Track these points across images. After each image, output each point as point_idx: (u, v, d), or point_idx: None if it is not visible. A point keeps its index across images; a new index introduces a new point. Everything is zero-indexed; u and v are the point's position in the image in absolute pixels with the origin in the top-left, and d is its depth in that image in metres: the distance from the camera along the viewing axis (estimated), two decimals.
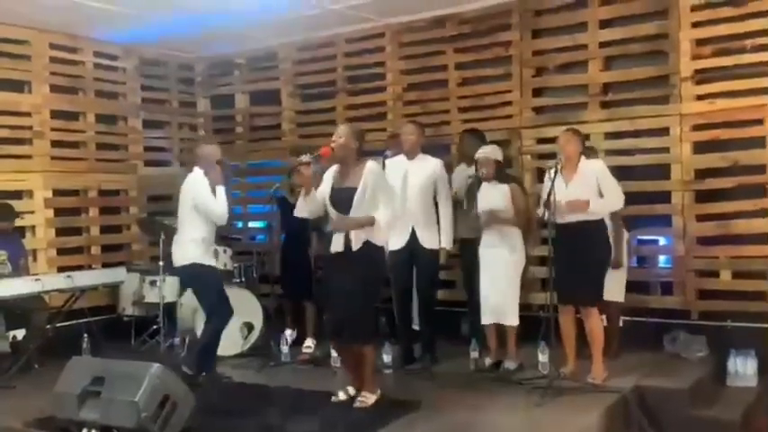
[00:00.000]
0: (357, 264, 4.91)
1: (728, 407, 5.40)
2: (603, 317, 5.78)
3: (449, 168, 6.47)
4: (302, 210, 5.34)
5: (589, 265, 5.36)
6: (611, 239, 5.54)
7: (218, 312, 5.76)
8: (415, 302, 6.31)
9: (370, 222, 4.87)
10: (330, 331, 5.20)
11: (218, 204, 5.63)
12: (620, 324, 6.22)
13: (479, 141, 6.22)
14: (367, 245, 4.92)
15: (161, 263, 6.85)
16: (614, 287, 5.81)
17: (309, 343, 6.85)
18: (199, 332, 6.57)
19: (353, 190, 4.92)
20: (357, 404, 5.00)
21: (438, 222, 6.07)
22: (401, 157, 6.09)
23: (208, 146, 6.02)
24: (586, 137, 5.82)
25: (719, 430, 5.07)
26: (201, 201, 5.63)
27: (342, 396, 5.15)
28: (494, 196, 5.73)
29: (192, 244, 5.68)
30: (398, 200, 5.77)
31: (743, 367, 5.84)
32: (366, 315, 5.05)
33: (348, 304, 4.91)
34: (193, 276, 5.79)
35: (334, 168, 5.12)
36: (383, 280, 5.41)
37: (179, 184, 5.90)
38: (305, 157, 4.96)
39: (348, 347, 5.14)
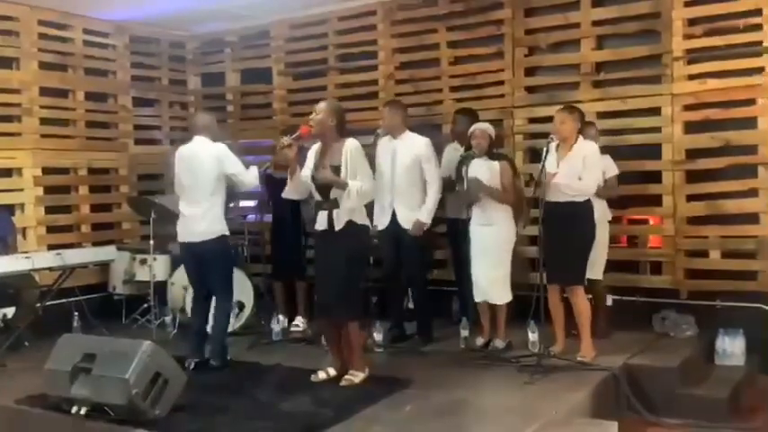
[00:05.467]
0: (341, 243, 4.97)
1: (717, 385, 5.45)
2: (590, 296, 5.81)
3: (440, 147, 6.48)
4: (290, 192, 5.32)
5: (574, 244, 5.39)
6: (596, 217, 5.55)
7: (230, 288, 5.70)
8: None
9: (344, 185, 4.90)
10: (317, 310, 5.23)
11: (251, 174, 5.60)
12: (609, 303, 6.25)
13: (473, 121, 6.19)
14: (350, 224, 4.98)
15: (151, 241, 6.82)
16: (595, 266, 5.82)
17: (299, 321, 6.87)
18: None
19: (335, 168, 4.96)
20: (343, 382, 5.04)
21: (421, 204, 6.03)
22: (390, 137, 6.08)
23: (206, 114, 5.95)
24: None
25: (707, 408, 5.11)
26: (238, 171, 5.54)
27: (321, 375, 5.17)
28: (484, 172, 5.71)
29: (219, 216, 5.54)
30: (384, 179, 5.88)
31: (731, 346, 5.88)
32: (351, 293, 5.07)
33: (333, 282, 4.97)
34: (219, 250, 5.56)
35: (317, 146, 5.14)
36: (367, 259, 5.43)
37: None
38: (285, 140, 4.94)
39: (334, 326, 5.17)
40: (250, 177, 5.61)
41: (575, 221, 5.39)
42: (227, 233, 5.62)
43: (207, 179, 5.49)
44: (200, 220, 5.49)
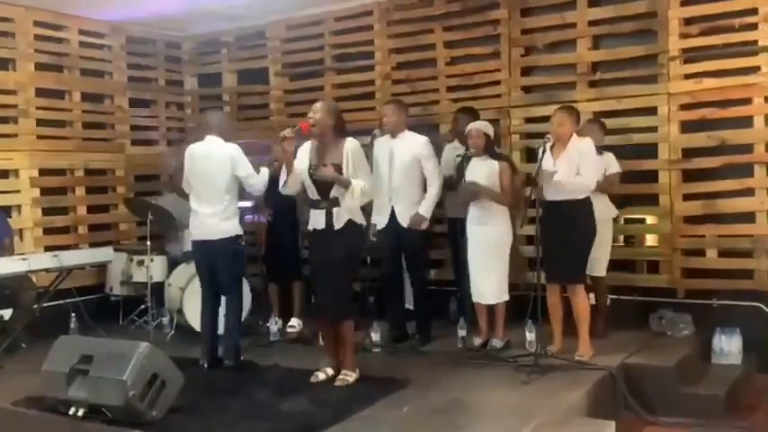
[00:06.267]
0: (339, 242, 4.99)
1: (713, 384, 5.45)
2: (591, 295, 5.82)
3: (438, 147, 6.48)
4: (287, 186, 5.34)
5: (574, 243, 5.39)
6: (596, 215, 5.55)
7: (240, 288, 5.74)
8: (407, 281, 6.33)
9: (347, 183, 4.92)
10: (315, 309, 5.23)
11: (261, 177, 5.60)
12: (608, 302, 6.26)
13: (473, 119, 6.18)
14: (349, 223, 5.00)
15: (148, 242, 6.81)
16: (599, 263, 5.84)
17: (294, 323, 6.86)
18: (188, 312, 6.61)
19: (337, 166, 4.97)
20: (338, 382, 5.06)
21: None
22: (387, 137, 6.08)
23: (217, 113, 5.96)
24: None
25: (705, 407, 5.11)
26: (249, 173, 5.52)
27: (321, 376, 5.19)
28: (482, 172, 5.71)
29: (233, 216, 5.56)
30: (382, 178, 5.87)
31: (728, 345, 5.89)
32: (347, 292, 5.13)
33: (331, 282, 4.98)
34: (233, 249, 5.58)
35: (308, 144, 5.14)
36: (362, 258, 5.44)
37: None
38: (287, 132, 4.94)
39: (331, 325, 5.18)
40: (260, 181, 5.61)
41: (575, 220, 5.39)
42: (241, 233, 5.63)
43: (221, 179, 5.49)
44: (215, 219, 5.49)
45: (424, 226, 6.04)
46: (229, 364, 5.53)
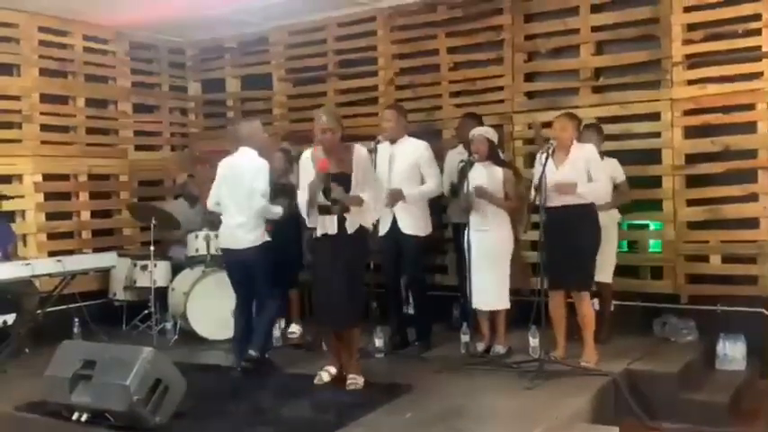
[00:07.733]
0: (351, 247, 5.01)
1: (717, 390, 5.44)
2: (595, 300, 5.81)
3: (440, 152, 6.49)
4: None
5: (580, 250, 5.37)
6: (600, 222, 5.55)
7: (274, 290, 5.72)
8: None
9: (360, 202, 4.95)
10: (323, 314, 5.22)
11: (266, 206, 5.47)
12: (612, 308, 6.25)
13: (478, 125, 6.18)
14: (360, 228, 5.03)
15: (152, 247, 6.82)
16: (605, 268, 5.82)
17: (294, 329, 6.87)
18: (192, 317, 6.62)
19: (347, 175, 4.98)
20: (350, 386, 5.06)
21: (423, 210, 6.05)
22: (388, 143, 6.07)
23: (249, 123, 5.91)
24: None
25: (708, 413, 5.10)
26: (259, 190, 5.44)
27: (325, 376, 5.19)
28: (485, 178, 5.70)
29: (259, 226, 5.54)
30: (382, 185, 5.82)
31: (732, 351, 5.87)
32: (360, 296, 5.17)
33: (346, 287, 4.98)
34: (262, 257, 5.55)
35: (308, 154, 5.12)
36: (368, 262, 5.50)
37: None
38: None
39: (341, 330, 5.17)
40: (266, 206, 5.48)
41: (580, 225, 5.38)
42: (269, 239, 5.62)
43: (247, 191, 5.47)
44: (241, 229, 5.50)
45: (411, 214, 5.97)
46: (253, 354, 5.48)
